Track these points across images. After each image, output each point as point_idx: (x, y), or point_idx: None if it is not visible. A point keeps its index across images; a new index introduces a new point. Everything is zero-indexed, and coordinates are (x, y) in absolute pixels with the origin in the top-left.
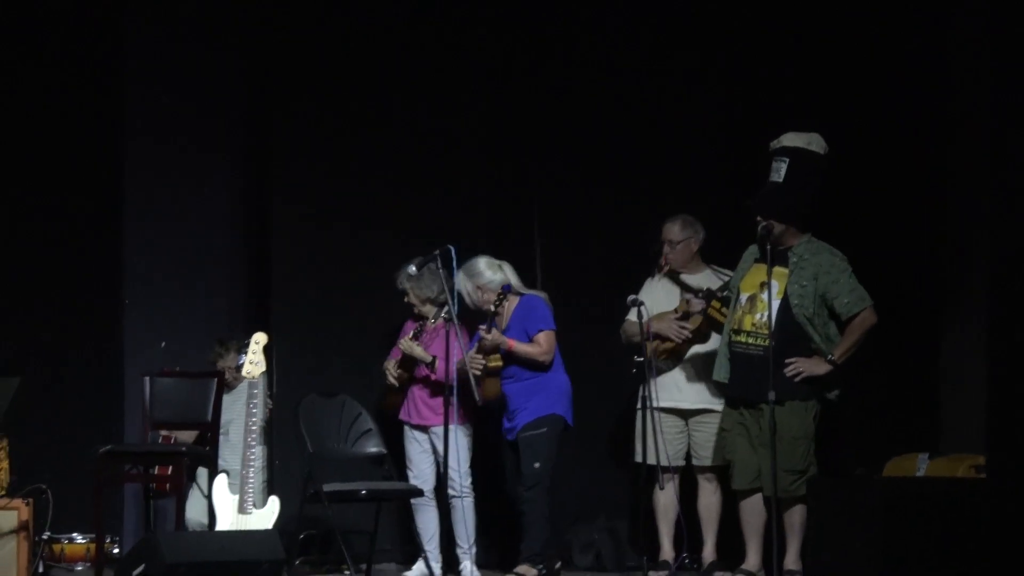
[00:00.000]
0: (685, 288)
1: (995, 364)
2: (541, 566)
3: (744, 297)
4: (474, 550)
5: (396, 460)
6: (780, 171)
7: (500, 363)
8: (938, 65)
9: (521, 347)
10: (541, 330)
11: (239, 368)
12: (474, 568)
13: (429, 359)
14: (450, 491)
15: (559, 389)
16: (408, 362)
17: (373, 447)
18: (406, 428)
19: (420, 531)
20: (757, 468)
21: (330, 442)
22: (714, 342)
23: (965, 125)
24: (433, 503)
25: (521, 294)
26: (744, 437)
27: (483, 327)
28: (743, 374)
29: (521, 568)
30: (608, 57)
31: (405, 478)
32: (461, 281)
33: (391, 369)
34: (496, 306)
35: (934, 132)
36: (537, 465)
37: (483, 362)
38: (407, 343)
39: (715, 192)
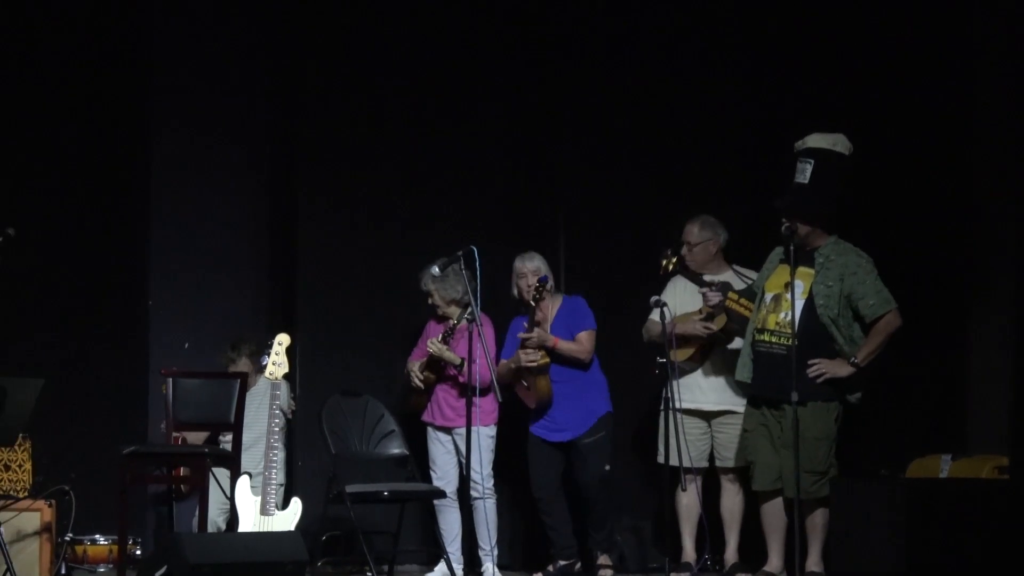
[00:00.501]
0: (700, 283)
1: (1022, 364)
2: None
3: (769, 296)
4: (496, 551)
5: (419, 461)
6: (805, 172)
7: (548, 360)
8: (961, 62)
9: (565, 345)
10: (585, 329)
11: (260, 370)
12: (496, 569)
13: (458, 361)
14: (472, 492)
15: (603, 387)
16: (435, 364)
17: (396, 448)
18: (430, 429)
19: (443, 532)
20: (778, 469)
21: (353, 443)
22: (737, 342)
23: (990, 124)
24: (456, 504)
25: (563, 294)
26: (766, 438)
27: (524, 326)
28: (766, 374)
29: (602, 559)
30: (632, 56)
31: (428, 479)
32: (527, 264)
33: (416, 371)
34: (536, 300)
35: (958, 131)
36: (608, 468)
37: (537, 356)
38: (436, 345)
39: (740, 192)
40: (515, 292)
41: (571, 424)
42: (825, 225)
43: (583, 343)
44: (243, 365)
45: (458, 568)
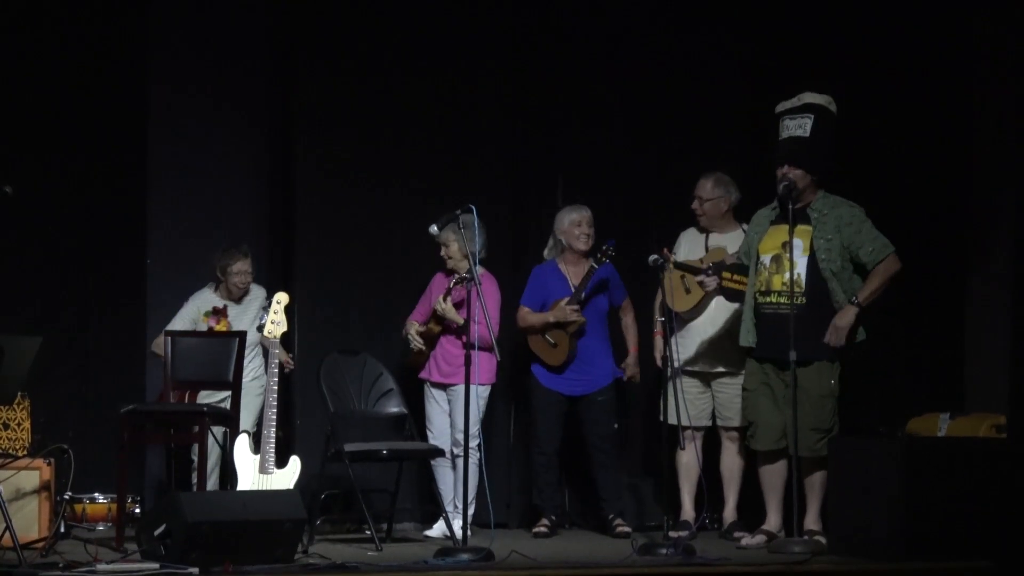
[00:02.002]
0: (694, 271)
1: (1020, 323)
2: None
3: (767, 258)
4: (469, 509)
5: (417, 420)
6: (805, 127)
7: (584, 319)
8: (963, 15)
9: (634, 335)
10: (624, 299)
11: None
12: (457, 527)
13: (461, 322)
14: (454, 449)
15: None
16: (440, 317)
17: (394, 407)
18: (427, 387)
19: (441, 491)
20: (781, 428)
21: (351, 402)
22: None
23: (990, 83)
24: (451, 463)
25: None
26: (768, 397)
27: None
28: (773, 334)
29: (619, 520)
30: (633, 18)
31: (426, 438)
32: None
33: (414, 334)
34: (599, 263)
35: (960, 86)
36: (616, 426)
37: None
38: (442, 304)
39: (740, 152)
40: (562, 240)
41: (592, 379)
42: (818, 180)
43: (629, 311)
44: (244, 266)
45: (457, 526)
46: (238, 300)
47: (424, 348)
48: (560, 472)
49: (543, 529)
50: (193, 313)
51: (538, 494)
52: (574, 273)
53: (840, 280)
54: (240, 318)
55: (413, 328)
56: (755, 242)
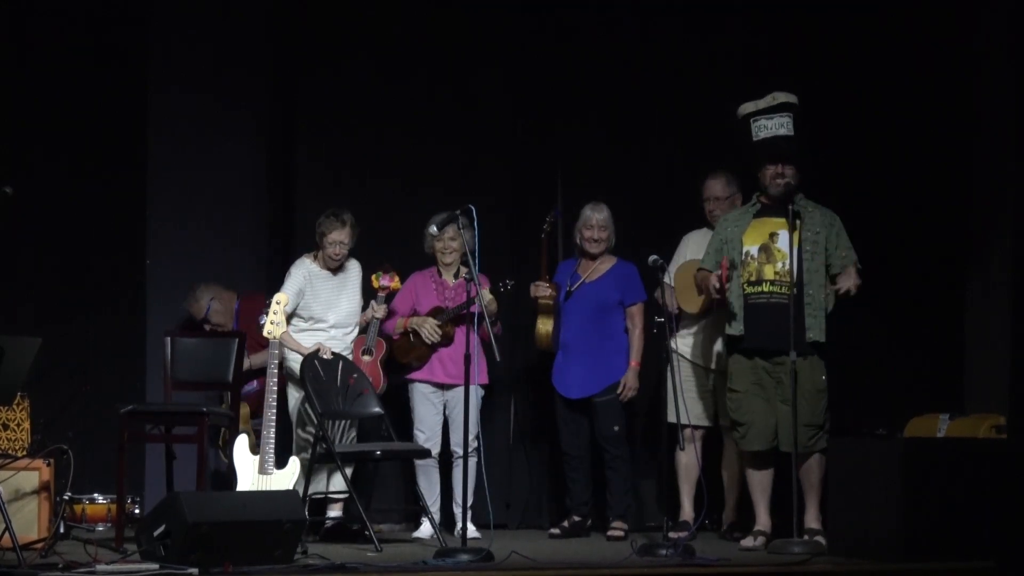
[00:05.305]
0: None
1: (1020, 324)
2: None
3: (754, 249)
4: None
5: (398, 420)
6: (787, 125)
7: (551, 303)
8: (964, 17)
9: (637, 350)
10: (637, 301)
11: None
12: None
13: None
14: (458, 450)
15: (625, 349)
16: (457, 319)
17: (374, 407)
18: (419, 387)
19: (424, 492)
20: (773, 428)
21: (335, 402)
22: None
23: (990, 86)
24: (437, 465)
25: (616, 257)
26: (760, 397)
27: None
28: (766, 324)
29: (617, 523)
30: (632, 16)
31: (403, 438)
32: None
33: (431, 329)
34: (544, 234)
35: (960, 87)
36: (617, 428)
37: (548, 290)
38: (489, 296)
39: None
40: (576, 239)
41: (587, 382)
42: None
43: (638, 321)
44: (342, 236)
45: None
46: (334, 272)
47: (440, 341)
48: (589, 471)
49: (556, 531)
50: (300, 282)
51: (566, 493)
52: (584, 268)
53: (816, 276)
54: (338, 293)
55: (428, 324)
56: (735, 233)
